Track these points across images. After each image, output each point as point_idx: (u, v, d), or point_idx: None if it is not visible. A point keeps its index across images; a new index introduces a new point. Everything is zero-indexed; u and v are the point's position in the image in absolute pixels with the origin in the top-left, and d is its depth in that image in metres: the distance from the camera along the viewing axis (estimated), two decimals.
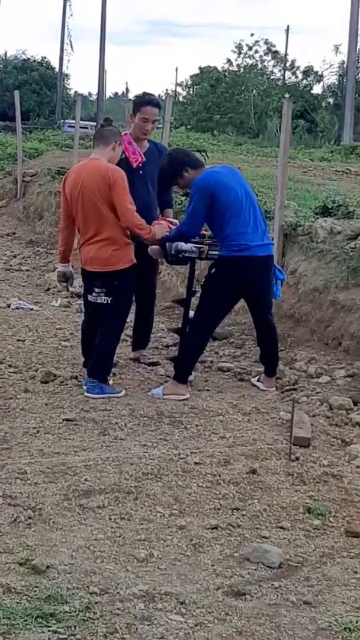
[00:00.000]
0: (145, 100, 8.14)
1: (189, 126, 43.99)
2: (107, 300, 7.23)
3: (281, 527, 5.05)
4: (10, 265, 14.09)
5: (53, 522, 4.94)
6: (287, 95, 48.77)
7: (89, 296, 7.40)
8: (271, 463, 5.92)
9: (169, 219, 8.06)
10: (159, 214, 8.18)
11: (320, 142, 38.15)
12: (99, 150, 7.32)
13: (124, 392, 7.34)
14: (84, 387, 7.33)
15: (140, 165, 7.90)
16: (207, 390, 7.58)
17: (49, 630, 3.81)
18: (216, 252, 7.49)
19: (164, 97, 59.32)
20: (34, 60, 61.15)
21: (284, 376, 7.79)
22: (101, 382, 7.27)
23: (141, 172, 7.77)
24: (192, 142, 25.82)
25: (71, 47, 61.60)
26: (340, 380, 7.69)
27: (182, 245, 7.42)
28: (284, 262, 9.33)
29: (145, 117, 7.96)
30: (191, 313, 7.69)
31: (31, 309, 10.67)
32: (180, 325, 7.84)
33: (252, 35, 52.89)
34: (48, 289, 12.07)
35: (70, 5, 61.64)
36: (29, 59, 61.55)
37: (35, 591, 4.15)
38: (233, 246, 7.23)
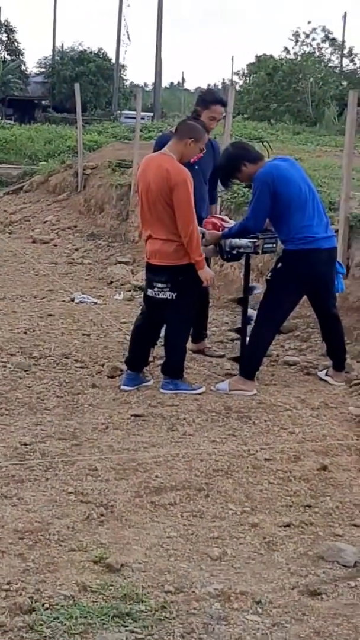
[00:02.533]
0: (215, 99, 8.16)
1: (245, 115, 43.80)
2: (172, 295, 7.16)
3: (355, 525, 5.00)
4: (73, 259, 14.15)
5: (125, 520, 4.94)
6: (344, 83, 48.57)
7: (149, 290, 7.33)
8: (342, 459, 5.88)
9: (219, 216, 8.06)
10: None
11: None
12: (172, 144, 7.19)
13: (203, 388, 7.32)
14: (122, 387, 7.31)
15: (197, 160, 7.87)
16: (274, 384, 7.54)
17: (126, 630, 3.81)
18: (271, 246, 7.46)
19: (220, 87, 58.98)
20: (91, 52, 61.32)
21: (352, 370, 7.72)
22: (175, 379, 7.26)
23: (196, 167, 7.71)
24: (250, 131, 25.70)
25: (128, 37, 61.80)
26: None
27: (237, 241, 7.40)
28: (349, 254, 9.24)
29: (213, 116, 7.98)
30: (250, 311, 7.66)
31: (95, 303, 10.70)
32: (240, 324, 7.80)
33: (309, 22, 52.61)
34: (111, 283, 12.10)
35: None
36: (85, 50, 61.72)
37: (110, 590, 4.15)
38: (299, 239, 7.19)
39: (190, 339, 7.75)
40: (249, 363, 7.40)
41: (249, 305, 7.67)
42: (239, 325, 7.86)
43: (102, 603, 4.02)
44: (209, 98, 8.18)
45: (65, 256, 14.47)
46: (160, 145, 7.94)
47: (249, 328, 7.54)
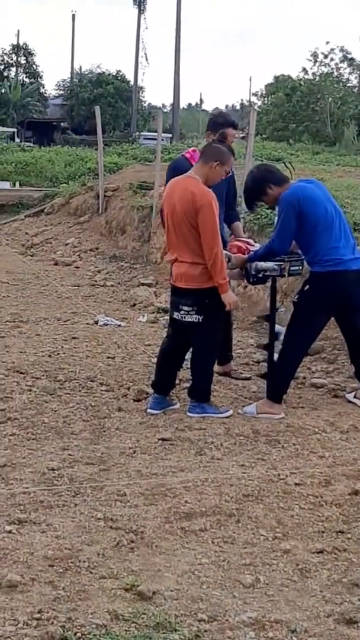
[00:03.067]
0: (227, 122, 8.19)
1: (264, 136, 43.85)
2: (199, 318, 7.11)
3: None
4: (95, 281, 14.15)
5: (156, 546, 4.88)
6: None
7: (175, 313, 7.28)
8: None
9: (244, 239, 8.03)
10: (228, 230, 8.13)
11: None
12: (197, 167, 7.18)
13: (231, 411, 7.27)
14: (149, 410, 7.27)
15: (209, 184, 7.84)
16: (302, 407, 7.48)
17: None
18: (297, 268, 7.41)
19: (238, 107, 59.10)
20: (109, 74, 61.62)
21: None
22: (202, 402, 7.21)
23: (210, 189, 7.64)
24: (270, 152, 25.74)
25: (146, 59, 62.06)
26: None
27: (263, 264, 7.36)
28: None
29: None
30: (277, 327, 7.61)
31: (119, 325, 10.66)
32: (268, 341, 7.75)
33: (327, 43, 52.51)
34: (134, 305, 12.07)
35: (144, 18, 61.87)
36: (103, 72, 62.04)
37: (143, 618, 4.10)
38: (326, 261, 7.14)
39: (216, 361, 7.69)
40: (276, 386, 7.34)
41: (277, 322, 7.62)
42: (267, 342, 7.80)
43: (134, 632, 3.97)
44: (221, 121, 8.21)
45: (87, 278, 14.47)
46: (175, 170, 7.92)
47: (277, 344, 7.48)
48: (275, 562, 4.78)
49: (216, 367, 7.88)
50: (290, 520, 5.26)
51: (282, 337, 7.55)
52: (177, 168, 7.96)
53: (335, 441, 6.60)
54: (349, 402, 7.60)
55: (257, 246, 7.70)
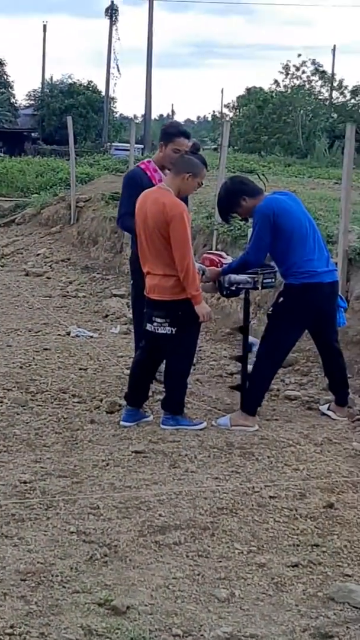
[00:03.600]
0: (179, 132, 8.08)
1: (236, 147, 43.95)
2: (172, 330, 7.06)
3: None
4: (67, 292, 14.07)
5: (129, 560, 4.84)
6: (334, 115, 48.80)
7: (149, 325, 7.21)
8: (348, 496, 5.78)
9: (217, 252, 8.03)
10: None
11: None
12: (169, 178, 7.16)
13: (204, 423, 7.23)
14: (122, 423, 7.22)
15: None
16: (276, 419, 7.46)
17: None
18: (270, 281, 7.40)
19: (209, 119, 59.12)
20: (80, 85, 61.50)
21: (354, 405, 7.64)
22: (175, 415, 7.17)
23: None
24: (242, 164, 25.75)
25: (118, 70, 61.94)
26: None
27: (236, 277, 7.34)
28: (348, 287, 9.19)
29: (177, 148, 7.82)
30: (251, 339, 7.60)
31: (91, 337, 10.61)
32: (241, 353, 7.72)
33: (299, 55, 52.72)
34: (106, 316, 12.02)
35: (116, 29, 61.74)
36: (75, 82, 61.91)
37: (117, 633, 4.07)
38: (300, 274, 7.14)
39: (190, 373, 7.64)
40: (250, 398, 7.32)
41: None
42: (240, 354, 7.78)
43: None
44: (172, 131, 8.11)
45: (59, 289, 14.40)
46: (130, 180, 8.03)
47: (250, 356, 7.46)
48: (250, 576, 4.75)
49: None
50: (265, 534, 5.23)
51: (255, 349, 7.53)
52: (133, 178, 8.05)
53: (310, 454, 6.58)
54: (323, 414, 7.60)
55: (229, 259, 7.67)
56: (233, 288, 7.40)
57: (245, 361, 7.54)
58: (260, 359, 7.34)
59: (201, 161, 7.20)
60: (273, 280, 7.46)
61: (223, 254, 7.93)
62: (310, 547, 5.08)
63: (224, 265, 7.47)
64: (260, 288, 7.45)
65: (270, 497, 5.72)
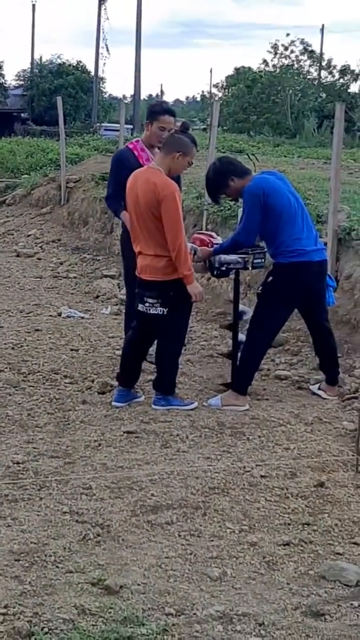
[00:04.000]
0: (163, 109, 8.18)
1: (225, 127, 43.84)
2: (163, 311, 7.07)
3: (355, 543, 4.94)
4: (58, 273, 14.05)
5: (122, 540, 4.87)
6: (323, 95, 48.72)
7: (140, 306, 7.22)
8: (338, 475, 5.82)
9: (207, 233, 8.04)
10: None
11: (359, 142, 37.90)
12: (159, 157, 7.15)
13: (195, 403, 7.25)
14: (113, 403, 7.24)
15: None
16: (267, 399, 7.48)
17: None
18: (260, 261, 7.41)
19: (198, 99, 59.03)
20: (70, 65, 61.22)
21: (344, 384, 7.67)
22: (167, 395, 7.19)
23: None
24: (231, 144, 25.70)
25: (107, 50, 61.62)
26: None
27: (227, 257, 7.36)
28: (338, 267, 9.21)
29: (162, 126, 7.94)
30: (242, 307, 7.63)
31: (82, 318, 10.61)
32: (230, 349, 7.76)
33: (287, 35, 52.51)
34: (97, 297, 12.02)
35: (105, 8, 61.33)
36: (64, 63, 61.62)
37: (110, 612, 4.09)
38: (289, 252, 7.15)
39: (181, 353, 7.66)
40: (241, 378, 7.34)
41: (239, 330, 7.63)
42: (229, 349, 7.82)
43: (102, 627, 3.96)
44: (157, 109, 8.20)
45: (50, 270, 14.37)
46: (118, 161, 8.17)
47: (241, 324, 7.50)
48: (242, 554, 4.78)
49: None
50: (256, 513, 5.27)
51: (246, 317, 7.57)
52: (120, 159, 8.19)
53: (300, 433, 6.61)
54: (313, 393, 7.62)
55: (219, 239, 7.68)
56: (223, 268, 7.42)
57: (235, 357, 7.54)
58: (251, 338, 7.36)
59: (191, 140, 7.19)
60: (263, 260, 7.48)
61: (213, 234, 7.94)
62: (302, 526, 5.12)
63: (215, 246, 7.47)
64: (250, 268, 7.48)
65: (262, 476, 5.75)
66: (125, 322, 8.57)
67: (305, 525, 5.13)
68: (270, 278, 7.29)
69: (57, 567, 4.51)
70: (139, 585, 4.37)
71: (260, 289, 7.46)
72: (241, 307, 7.67)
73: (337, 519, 5.21)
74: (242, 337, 7.52)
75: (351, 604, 4.30)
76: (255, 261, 7.38)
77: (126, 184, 7.95)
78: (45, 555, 4.61)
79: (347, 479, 5.77)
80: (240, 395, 7.25)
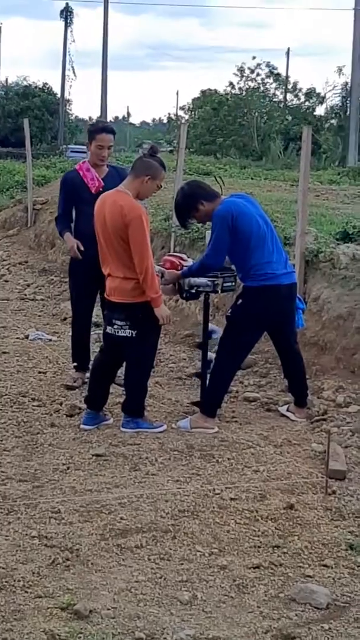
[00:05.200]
0: (99, 128, 8.39)
1: (191, 149, 44.02)
2: (132, 333, 7.05)
3: (324, 565, 4.94)
4: (25, 295, 13.98)
5: (92, 564, 4.85)
6: (289, 118, 49.07)
7: (109, 328, 7.20)
8: (308, 497, 5.82)
9: (177, 254, 8.06)
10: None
11: (325, 164, 38.18)
12: (128, 181, 7.14)
13: (164, 426, 7.23)
14: (82, 426, 7.21)
15: (100, 190, 8.01)
16: (236, 421, 7.47)
17: None
18: (230, 284, 7.42)
19: (165, 121, 59.20)
20: (36, 87, 61.31)
21: (313, 406, 7.68)
22: (136, 417, 7.17)
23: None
24: (198, 166, 25.79)
25: (73, 72, 61.85)
26: None
27: (196, 280, 7.35)
28: (305, 289, 9.24)
29: (100, 145, 8.19)
30: (211, 326, 7.63)
31: (49, 340, 10.56)
32: (200, 369, 7.76)
33: (254, 58, 52.86)
34: (65, 319, 11.94)
35: (71, 31, 61.68)
36: (30, 85, 61.70)
37: (80, 637, 4.09)
38: (259, 276, 7.15)
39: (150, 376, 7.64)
40: (210, 400, 7.33)
41: (209, 349, 7.62)
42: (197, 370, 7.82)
43: None
44: (94, 128, 8.44)
45: (17, 292, 14.30)
46: (65, 184, 8.49)
47: (211, 342, 7.50)
48: (212, 578, 4.77)
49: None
50: (226, 536, 5.25)
51: (215, 336, 7.56)
52: (65, 181, 8.55)
53: (270, 455, 6.61)
54: (282, 415, 7.63)
55: (189, 261, 7.67)
56: (193, 291, 7.41)
57: (205, 376, 7.53)
58: (219, 361, 7.34)
59: (159, 163, 7.20)
60: (233, 283, 7.48)
61: (184, 255, 7.93)
62: (271, 549, 5.12)
63: (184, 268, 7.47)
64: (220, 291, 7.46)
65: (231, 499, 5.74)
66: (72, 349, 8.73)
67: (275, 548, 5.12)
68: (240, 301, 7.29)
69: (26, 592, 4.48)
70: (108, 609, 4.34)
71: (229, 311, 7.45)
72: (211, 326, 7.66)
73: (306, 541, 5.21)
74: (211, 355, 7.52)
75: (322, 627, 4.30)
76: (225, 284, 7.37)
77: (74, 204, 8.16)
78: (14, 580, 4.57)
79: (317, 501, 5.77)
80: (209, 417, 7.23)
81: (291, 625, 4.30)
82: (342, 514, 5.60)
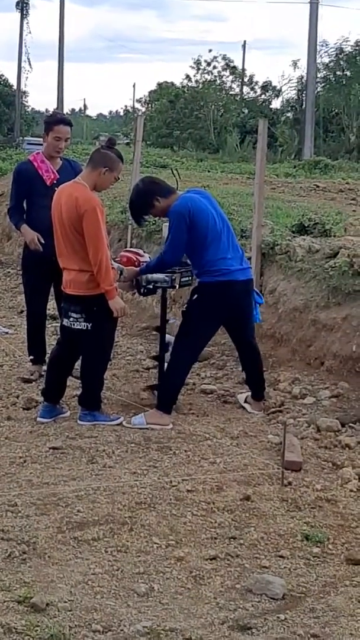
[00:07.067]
0: (57, 119, 8.40)
1: (148, 142, 44.01)
2: (87, 326, 7.03)
3: (280, 556, 4.97)
4: None
5: (48, 557, 4.84)
6: (245, 111, 49.18)
7: (65, 320, 7.19)
8: (264, 489, 5.84)
9: (134, 250, 8.04)
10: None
11: (281, 157, 38.36)
12: (85, 172, 7.11)
13: (121, 418, 7.21)
14: (39, 419, 7.19)
15: (55, 182, 8.02)
16: (193, 413, 7.48)
17: None
18: (187, 279, 7.43)
19: (122, 114, 59.12)
20: None
21: (269, 398, 7.71)
22: (92, 410, 7.16)
23: (56, 188, 7.64)
24: (155, 159, 25.80)
25: (29, 64, 61.53)
26: (325, 401, 7.63)
27: (154, 275, 7.34)
28: (262, 282, 9.28)
29: (57, 136, 8.17)
30: (168, 337, 7.61)
31: (6, 333, 10.52)
32: (158, 353, 7.75)
33: (210, 51, 52.96)
34: (21, 312, 11.86)
35: (27, 22, 61.21)
36: None
37: (36, 631, 4.06)
38: (214, 271, 7.14)
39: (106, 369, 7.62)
40: (165, 396, 7.31)
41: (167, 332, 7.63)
42: (156, 353, 7.81)
43: None
44: (51, 120, 8.43)
45: None
46: (19, 174, 8.43)
47: (167, 356, 7.48)
48: (169, 569, 4.79)
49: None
50: (183, 527, 5.27)
51: (171, 347, 7.55)
52: (19, 172, 8.48)
53: (226, 447, 6.63)
54: (240, 407, 7.64)
55: (146, 256, 7.66)
56: (150, 286, 7.40)
57: (162, 359, 7.55)
58: (175, 356, 7.33)
59: (117, 155, 7.18)
60: (190, 278, 7.49)
61: (140, 251, 7.91)
62: (228, 540, 5.14)
63: (142, 264, 7.46)
64: (177, 287, 7.47)
65: (188, 490, 5.75)
66: (28, 342, 8.71)
67: (232, 539, 5.15)
68: (195, 296, 7.28)
69: None
70: (65, 602, 4.34)
71: (185, 307, 7.45)
72: (168, 337, 7.63)
73: (263, 532, 5.24)
74: (169, 338, 7.52)
75: (277, 617, 4.33)
76: (182, 279, 7.39)
77: (26, 196, 8.11)
78: None
79: (273, 492, 5.80)
80: (164, 413, 7.22)
81: (247, 616, 4.32)
82: (297, 505, 5.63)
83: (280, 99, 51.76)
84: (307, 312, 8.58)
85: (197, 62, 52.41)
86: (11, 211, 8.57)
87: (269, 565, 4.86)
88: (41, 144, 8.92)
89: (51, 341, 8.49)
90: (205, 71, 52.61)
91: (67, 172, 8.06)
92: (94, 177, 7.03)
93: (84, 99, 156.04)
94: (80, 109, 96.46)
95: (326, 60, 46.96)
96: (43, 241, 8.02)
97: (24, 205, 8.39)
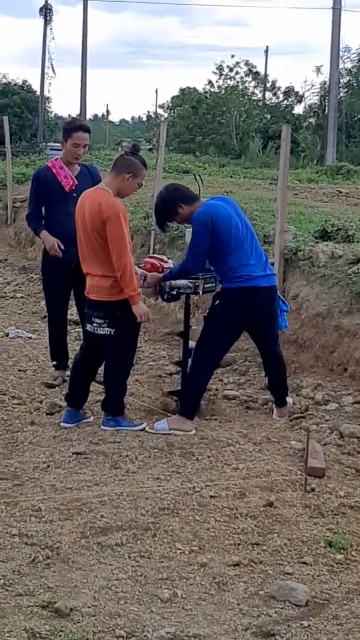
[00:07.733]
0: (75, 126, 8.37)
1: (170, 147, 44.01)
2: (111, 331, 7.05)
3: (304, 563, 4.97)
4: (5, 293, 13.95)
5: (72, 562, 4.86)
6: (267, 116, 49.12)
7: (88, 326, 7.20)
8: (287, 495, 5.84)
9: (158, 256, 8.03)
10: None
11: (303, 163, 38.27)
12: (109, 178, 7.13)
13: (144, 424, 7.22)
14: (62, 424, 7.22)
15: (74, 188, 8.07)
16: (215, 419, 7.49)
17: None
18: (211, 286, 7.42)
19: (144, 119, 59.16)
20: (15, 84, 61.07)
21: (293, 404, 7.70)
22: (116, 415, 7.18)
23: (74, 194, 7.69)
24: (177, 164, 25.82)
25: (53, 69, 61.69)
26: (348, 407, 7.62)
27: (177, 282, 7.35)
28: (285, 287, 9.28)
29: (76, 143, 8.20)
30: (191, 343, 7.61)
31: (30, 338, 10.56)
32: (181, 358, 7.75)
33: (232, 56, 52.98)
34: (45, 317, 11.90)
35: (51, 28, 61.44)
36: (9, 82, 61.46)
37: (60, 636, 4.09)
38: (236, 278, 7.13)
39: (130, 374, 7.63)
40: (187, 401, 7.30)
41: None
42: (179, 359, 7.82)
43: None
44: (70, 127, 8.41)
45: None
46: (37, 179, 8.43)
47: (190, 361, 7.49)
48: (192, 575, 4.79)
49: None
50: (206, 533, 5.27)
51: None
52: (37, 178, 8.45)
53: (249, 453, 6.63)
54: (263, 412, 7.62)
55: (170, 263, 7.66)
56: (174, 292, 7.41)
57: (186, 365, 7.55)
58: (197, 361, 7.32)
59: (141, 162, 7.20)
60: (214, 285, 7.48)
61: (164, 257, 7.91)
62: (251, 546, 5.14)
63: (166, 270, 7.47)
64: (201, 293, 7.46)
65: (211, 496, 5.75)
66: (50, 348, 8.75)
67: (255, 545, 5.15)
68: (217, 302, 7.27)
69: (7, 590, 4.48)
70: (89, 607, 4.35)
71: (207, 312, 7.46)
72: (191, 343, 7.63)
73: (286, 538, 5.23)
74: (192, 344, 7.50)
75: (301, 624, 4.32)
76: (206, 286, 7.38)
77: (45, 202, 8.13)
78: None
79: (296, 498, 5.80)
80: (187, 419, 7.22)
81: (270, 623, 4.32)
82: (321, 511, 5.63)
83: (302, 104, 51.74)
84: (330, 317, 8.58)
85: (220, 68, 52.36)
86: (30, 217, 8.60)
87: (292, 572, 4.86)
88: (59, 150, 8.95)
89: (74, 346, 8.51)
90: (228, 77, 52.55)
91: (85, 178, 8.11)
92: (117, 183, 7.04)
93: (107, 105, 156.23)
94: (102, 115, 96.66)
95: (349, 65, 46.98)
96: (63, 247, 8.04)
97: (43, 211, 8.42)
